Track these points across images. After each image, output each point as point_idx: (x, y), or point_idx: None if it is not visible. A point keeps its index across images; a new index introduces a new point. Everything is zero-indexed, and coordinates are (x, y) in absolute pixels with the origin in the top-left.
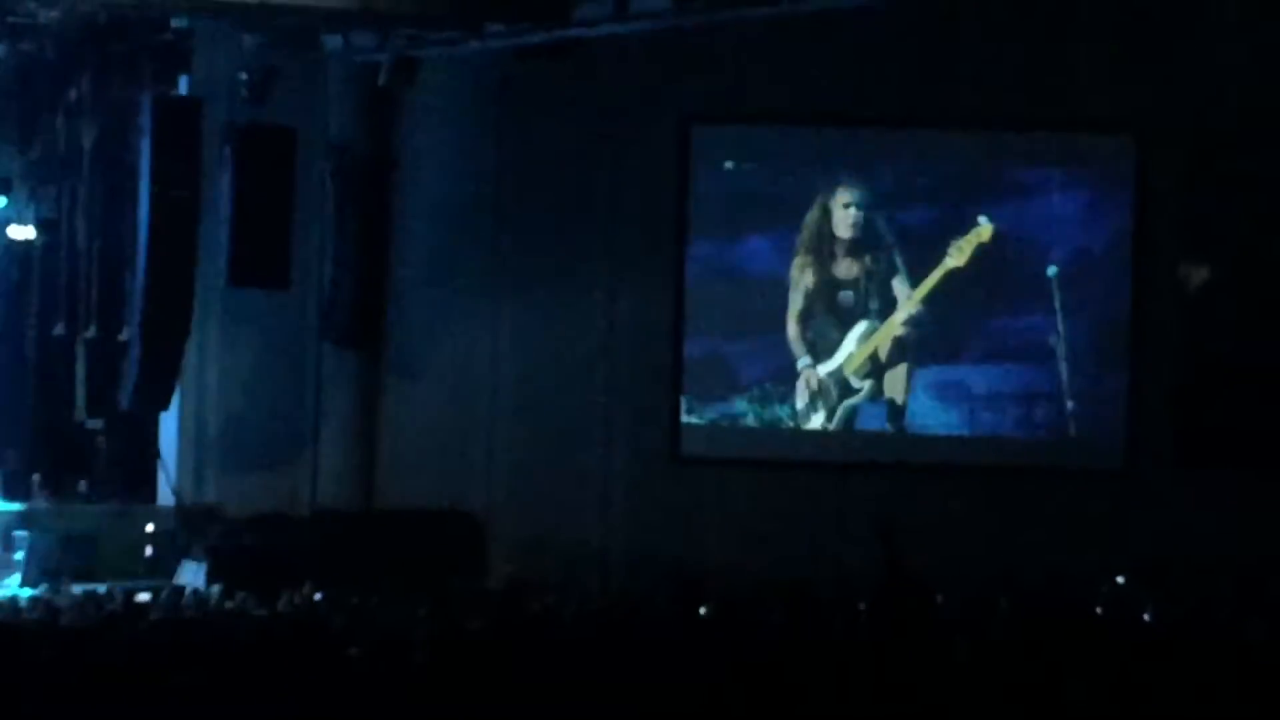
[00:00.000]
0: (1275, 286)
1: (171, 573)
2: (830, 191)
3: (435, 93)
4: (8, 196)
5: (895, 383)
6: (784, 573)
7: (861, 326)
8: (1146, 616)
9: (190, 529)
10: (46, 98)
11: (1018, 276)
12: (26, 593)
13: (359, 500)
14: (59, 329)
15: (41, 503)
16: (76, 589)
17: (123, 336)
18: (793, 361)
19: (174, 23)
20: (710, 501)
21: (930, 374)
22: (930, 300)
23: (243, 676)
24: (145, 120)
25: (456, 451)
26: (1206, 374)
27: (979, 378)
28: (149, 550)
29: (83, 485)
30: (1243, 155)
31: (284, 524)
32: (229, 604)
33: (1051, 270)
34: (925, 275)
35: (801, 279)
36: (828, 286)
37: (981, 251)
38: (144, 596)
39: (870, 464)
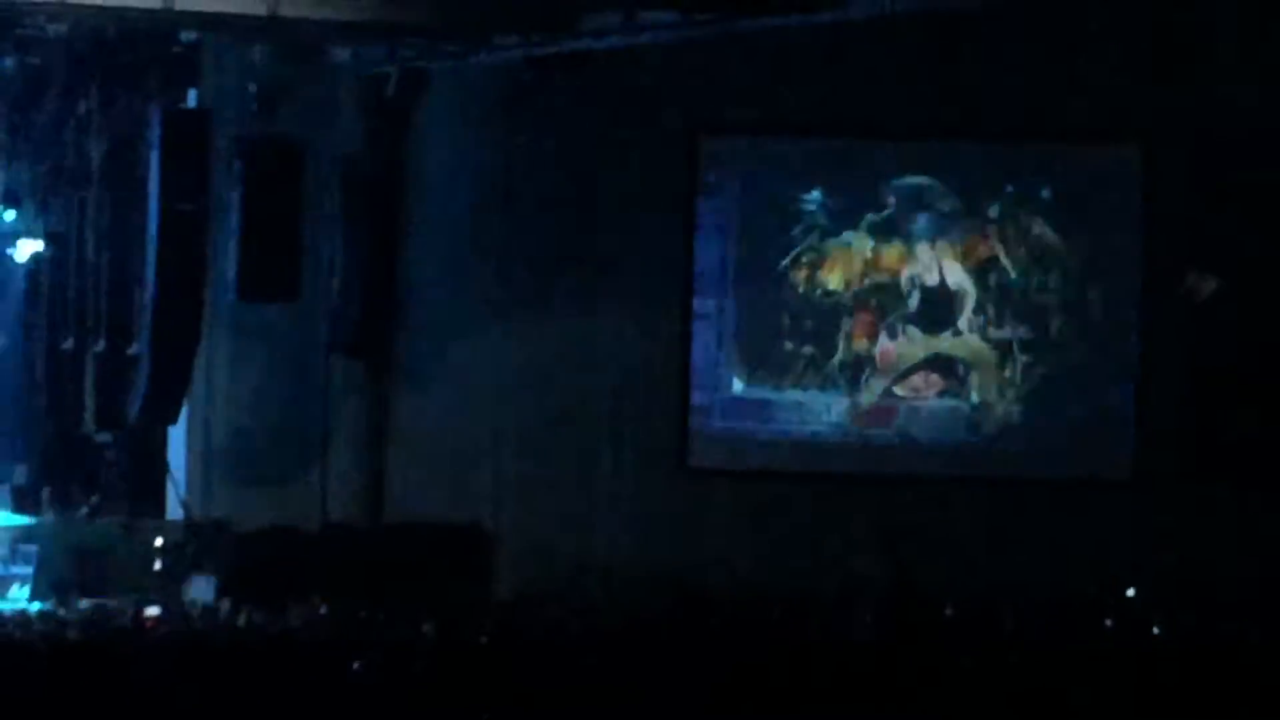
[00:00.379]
0: None
1: (180, 587)
2: (841, 201)
3: (444, 104)
4: (17, 210)
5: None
6: (790, 584)
7: (889, 343)
8: (1155, 630)
9: (199, 543)
10: (55, 111)
11: (1024, 286)
12: (35, 606)
13: (367, 513)
14: (68, 343)
15: (50, 516)
16: (85, 603)
17: (132, 350)
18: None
19: (183, 36)
20: (718, 513)
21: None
22: (941, 309)
23: (251, 690)
24: (154, 133)
25: (465, 464)
26: (1214, 384)
27: None
28: (158, 564)
29: (92, 499)
30: (1249, 166)
31: (292, 537)
32: (238, 618)
33: (1058, 281)
34: (934, 284)
35: (809, 287)
36: (830, 294)
37: (988, 262)
38: (153, 610)
39: (877, 475)
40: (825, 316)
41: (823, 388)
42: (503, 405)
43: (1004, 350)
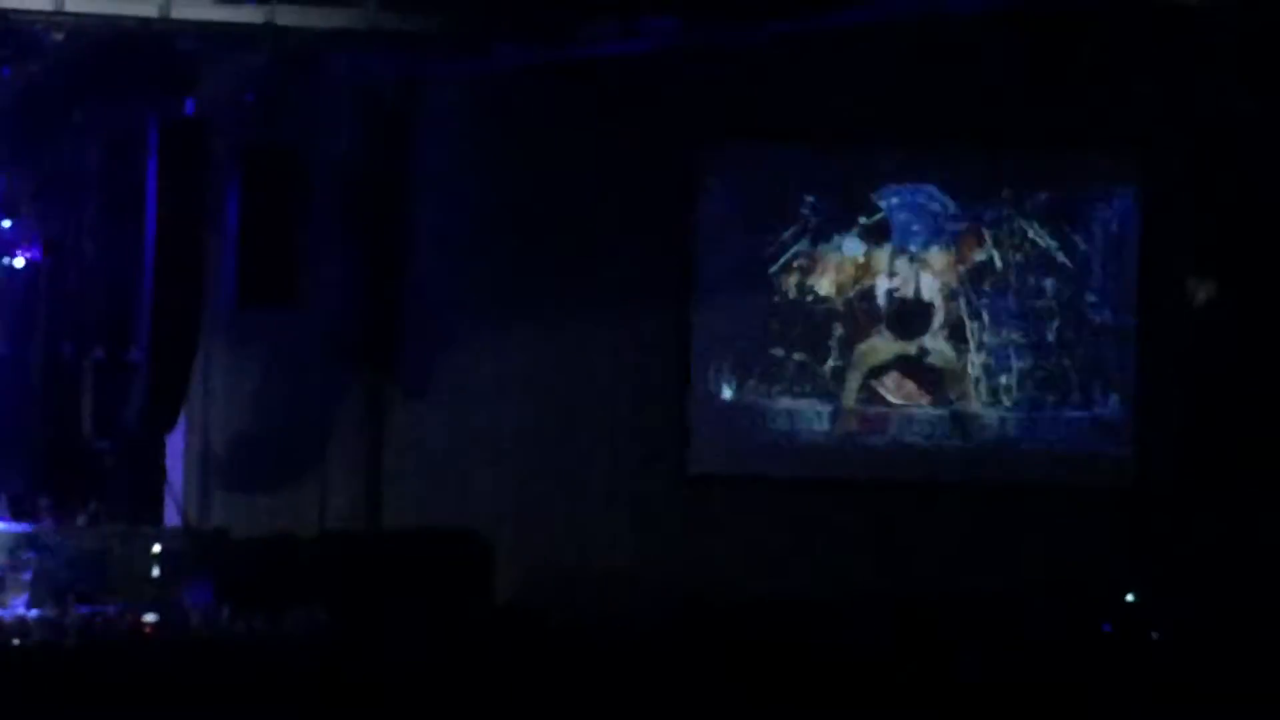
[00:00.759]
0: None
1: (179, 594)
2: (841, 208)
3: (443, 112)
4: (14, 218)
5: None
6: (791, 591)
7: (864, 343)
8: (1154, 636)
9: (198, 550)
10: (52, 119)
11: (1022, 292)
12: (34, 614)
13: (366, 520)
14: (66, 350)
15: (49, 524)
16: (83, 610)
17: (130, 358)
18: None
19: (180, 44)
20: (717, 520)
21: None
22: (938, 315)
23: (250, 697)
24: (152, 141)
25: (463, 472)
26: (1212, 390)
27: None
28: (156, 571)
29: (90, 506)
30: (1248, 171)
31: (291, 545)
32: (237, 625)
33: (1054, 286)
34: (933, 290)
35: (800, 292)
36: (821, 300)
37: (987, 267)
38: (151, 618)
39: (875, 481)
40: (816, 322)
41: (814, 395)
42: (502, 412)
43: (1000, 357)
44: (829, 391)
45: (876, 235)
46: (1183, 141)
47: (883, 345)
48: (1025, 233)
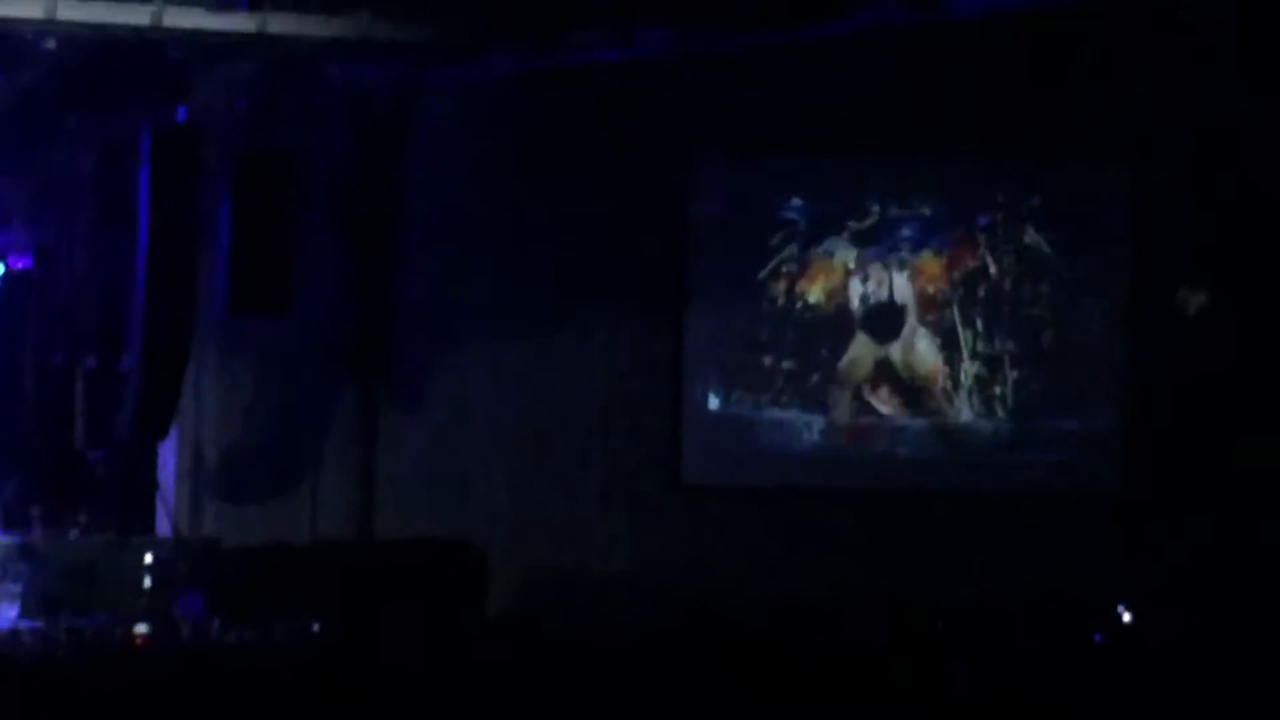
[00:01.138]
0: (1276, 313)
1: (170, 604)
2: (833, 218)
3: (436, 120)
4: (5, 226)
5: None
6: (786, 598)
7: (860, 350)
8: (1146, 645)
9: (189, 560)
10: (44, 127)
11: (1015, 302)
12: (25, 625)
13: (359, 530)
14: (58, 358)
15: (39, 534)
16: (75, 620)
17: (122, 366)
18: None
19: (173, 51)
20: (713, 528)
21: None
22: (929, 326)
23: (242, 708)
24: (144, 149)
25: (457, 481)
26: (1206, 398)
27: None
28: (148, 581)
29: (81, 516)
30: (1242, 178)
31: (283, 555)
32: (229, 636)
33: (1048, 293)
34: (924, 300)
35: (789, 299)
36: (811, 307)
37: (980, 277)
38: (143, 628)
39: (868, 490)
40: (806, 330)
41: (804, 406)
42: (495, 421)
43: (993, 365)
44: (819, 401)
45: (867, 240)
46: (1179, 147)
47: (867, 354)
48: (1021, 238)
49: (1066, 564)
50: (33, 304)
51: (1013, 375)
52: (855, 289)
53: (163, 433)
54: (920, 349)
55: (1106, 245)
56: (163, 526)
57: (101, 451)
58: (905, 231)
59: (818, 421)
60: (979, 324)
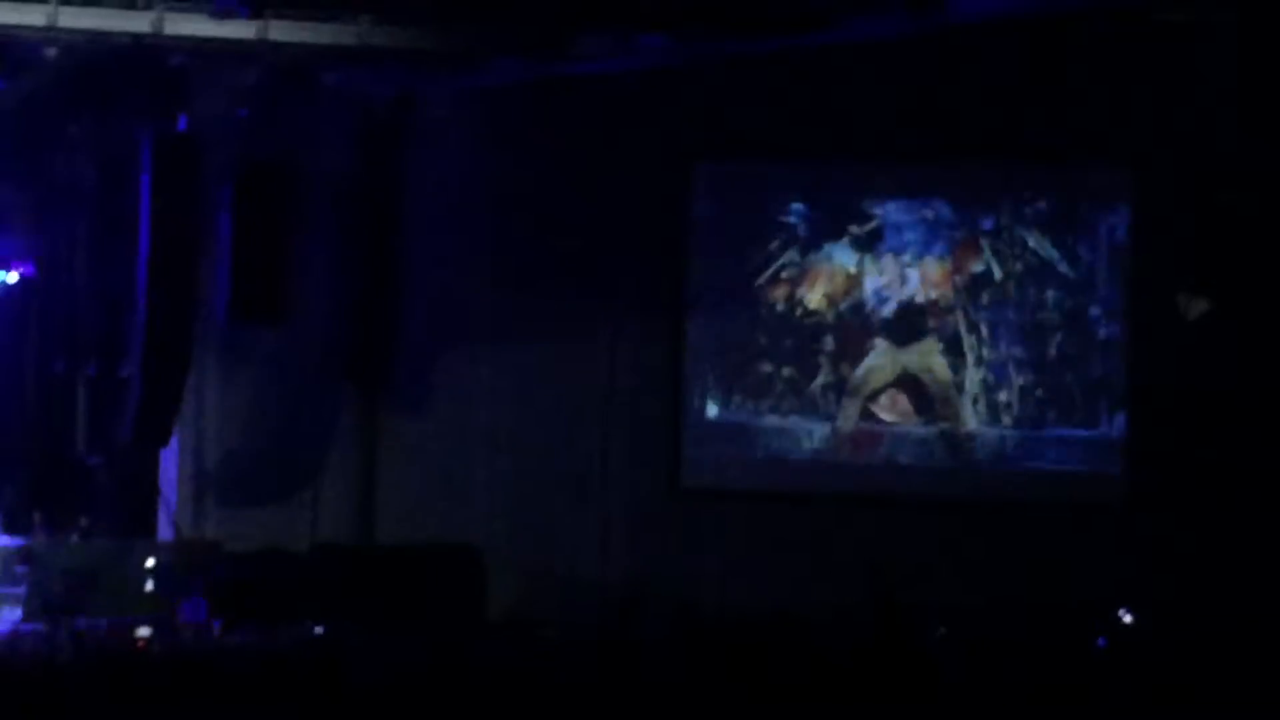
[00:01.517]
0: (1275, 320)
1: (172, 608)
2: (834, 225)
3: (436, 127)
4: (7, 233)
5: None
6: (782, 606)
7: (880, 358)
8: (1148, 652)
9: (190, 564)
10: (46, 134)
11: (1017, 309)
12: (27, 628)
13: (359, 535)
14: (59, 365)
15: (42, 538)
16: (77, 624)
17: (123, 373)
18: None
19: (173, 59)
20: (711, 534)
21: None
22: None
23: (243, 712)
24: (145, 157)
25: (457, 485)
26: (1206, 405)
27: None
28: (149, 585)
29: (83, 521)
30: (1241, 186)
31: (284, 559)
32: (229, 639)
33: (1051, 302)
34: (925, 307)
35: (788, 305)
36: (811, 313)
37: (980, 283)
38: (144, 632)
39: (868, 497)
40: (806, 336)
41: (804, 413)
42: (494, 426)
43: (999, 371)
44: (819, 408)
45: (868, 244)
46: (1181, 151)
47: (886, 362)
48: (1025, 242)
49: (1068, 571)
50: (34, 310)
51: (1019, 381)
52: (870, 291)
53: (163, 438)
54: (939, 355)
55: (1114, 248)
56: (164, 530)
57: (103, 457)
58: (908, 236)
59: (819, 429)
60: (983, 329)
